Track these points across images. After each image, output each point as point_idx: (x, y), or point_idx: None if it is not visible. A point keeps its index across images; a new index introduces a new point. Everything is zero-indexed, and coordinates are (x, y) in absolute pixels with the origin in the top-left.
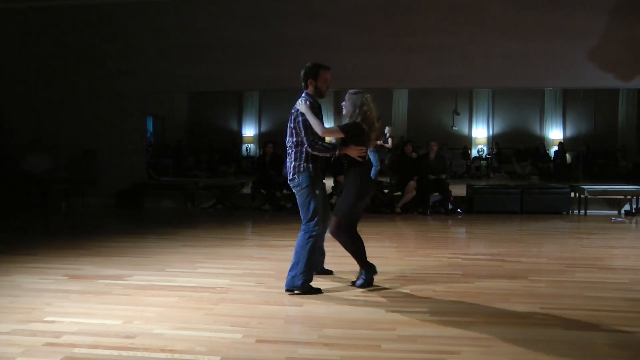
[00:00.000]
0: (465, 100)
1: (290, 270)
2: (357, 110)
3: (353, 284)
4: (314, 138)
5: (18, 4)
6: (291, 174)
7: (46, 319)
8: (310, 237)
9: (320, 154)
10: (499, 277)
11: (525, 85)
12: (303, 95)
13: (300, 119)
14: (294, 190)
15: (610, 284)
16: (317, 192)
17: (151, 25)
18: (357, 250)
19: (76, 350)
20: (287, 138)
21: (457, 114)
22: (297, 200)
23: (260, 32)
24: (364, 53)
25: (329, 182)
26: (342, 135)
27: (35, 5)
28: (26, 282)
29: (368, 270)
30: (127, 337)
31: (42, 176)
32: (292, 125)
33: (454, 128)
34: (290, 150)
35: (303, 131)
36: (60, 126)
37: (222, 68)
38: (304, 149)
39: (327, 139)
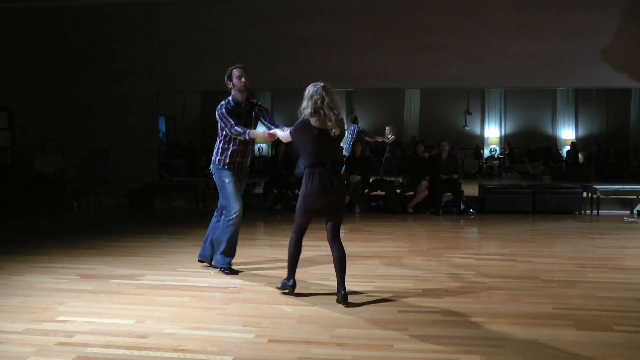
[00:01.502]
0: (477, 100)
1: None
2: (307, 102)
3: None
4: (231, 125)
5: (29, 4)
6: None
7: (58, 318)
8: (229, 220)
9: (238, 137)
10: (511, 277)
11: (537, 85)
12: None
13: (217, 112)
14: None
15: (622, 284)
16: (227, 180)
17: (163, 25)
18: (291, 258)
19: (88, 349)
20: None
21: (469, 113)
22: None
23: (271, 32)
24: (376, 53)
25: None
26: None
27: (48, 5)
28: (38, 282)
29: (289, 281)
30: (140, 336)
31: (54, 176)
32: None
33: (466, 128)
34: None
35: (222, 122)
36: (72, 126)
37: None
38: (218, 143)
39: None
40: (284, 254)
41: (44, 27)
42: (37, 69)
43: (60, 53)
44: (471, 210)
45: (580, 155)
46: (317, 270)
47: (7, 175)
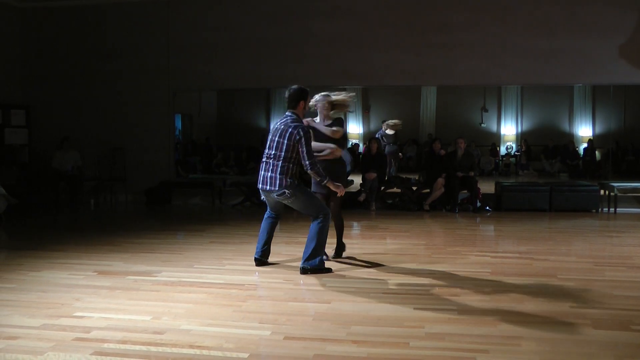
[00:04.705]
0: (493, 97)
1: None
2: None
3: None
4: (313, 160)
5: (46, 3)
6: (278, 187)
7: (75, 314)
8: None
9: (315, 177)
10: (527, 275)
11: (554, 82)
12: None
13: (301, 138)
14: (286, 202)
15: None
16: (308, 188)
17: (179, 23)
18: None
19: (105, 345)
20: (272, 152)
21: (486, 111)
22: (297, 206)
23: (288, 29)
24: (391, 50)
25: (357, 179)
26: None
27: (63, 4)
28: (56, 278)
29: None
30: (156, 332)
31: (71, 173)
32: (283, 140)
33: (482, 125)
34: (271, 162)
35: (304, 149)
36: (89, 124)
37: (250, 65)
38: (291, 165)
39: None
40: (300, 250)
41: (61, 26)
42: (55, 67)
43: (77, 51)
44: (487, 207)
45: (597, 152)
46: (334, 267)
47: (25, 172)
